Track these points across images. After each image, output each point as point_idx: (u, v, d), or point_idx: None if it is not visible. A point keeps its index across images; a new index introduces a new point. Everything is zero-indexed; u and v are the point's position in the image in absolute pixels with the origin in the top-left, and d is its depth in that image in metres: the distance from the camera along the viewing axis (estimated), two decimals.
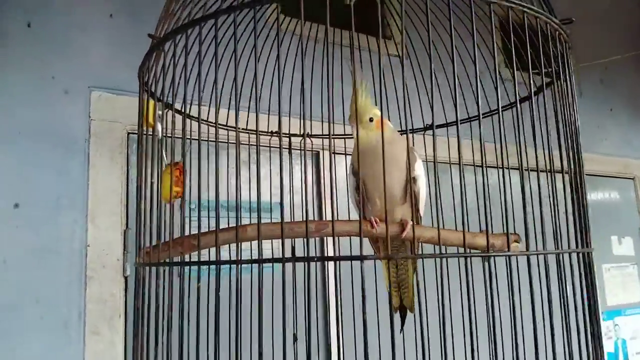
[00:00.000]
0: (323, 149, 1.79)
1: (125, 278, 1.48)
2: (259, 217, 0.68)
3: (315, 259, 0.63)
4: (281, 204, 0.68)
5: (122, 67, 1.56)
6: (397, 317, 1.03)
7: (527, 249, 0.66)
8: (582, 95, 2.75)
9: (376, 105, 0.87)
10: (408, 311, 1.02)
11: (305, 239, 0.75)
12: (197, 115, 0.70)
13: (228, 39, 0.73)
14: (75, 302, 1.39)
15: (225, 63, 0.89)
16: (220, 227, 0.68)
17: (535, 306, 0.68)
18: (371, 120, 0.85)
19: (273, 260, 0.63)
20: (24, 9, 1.49)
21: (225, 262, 0.68)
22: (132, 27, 1.62)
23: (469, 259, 0.96)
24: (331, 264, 1.69)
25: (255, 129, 0.66)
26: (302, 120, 0.68)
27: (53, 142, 1.45)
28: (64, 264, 1.39)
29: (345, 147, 1.36)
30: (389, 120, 0.97)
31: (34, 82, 1.45)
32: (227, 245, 0.81)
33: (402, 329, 1.00)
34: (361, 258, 0.62)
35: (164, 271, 0.74)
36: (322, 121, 1.20)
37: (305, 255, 0.97)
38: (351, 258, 0.63)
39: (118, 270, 1.47)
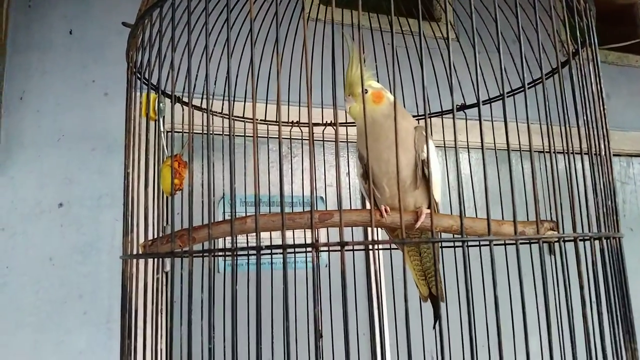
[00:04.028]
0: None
1: (166, 273, 1.50)
2: (257, 210, 0.64)
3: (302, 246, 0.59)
4: (281, 193, 0.65)
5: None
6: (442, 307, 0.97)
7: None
8: None
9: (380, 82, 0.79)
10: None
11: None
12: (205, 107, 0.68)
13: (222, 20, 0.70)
14: (116, 297, 1.43)
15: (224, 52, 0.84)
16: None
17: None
18: (366, 91, 0.71)
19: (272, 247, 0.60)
20: (66, 17, 1.55)
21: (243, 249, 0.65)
22: None
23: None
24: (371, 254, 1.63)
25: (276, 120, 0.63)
26: (335, 109, 0.61)
27: (94, 143, 1.50)
28: (105, 260, 1.44)
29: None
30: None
31: (76, 86, 1.52)
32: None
33: (435, 320, 0.93)
34: (373, 242, 0.57)
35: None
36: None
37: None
38: (353, 243, 0.59)
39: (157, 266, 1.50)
